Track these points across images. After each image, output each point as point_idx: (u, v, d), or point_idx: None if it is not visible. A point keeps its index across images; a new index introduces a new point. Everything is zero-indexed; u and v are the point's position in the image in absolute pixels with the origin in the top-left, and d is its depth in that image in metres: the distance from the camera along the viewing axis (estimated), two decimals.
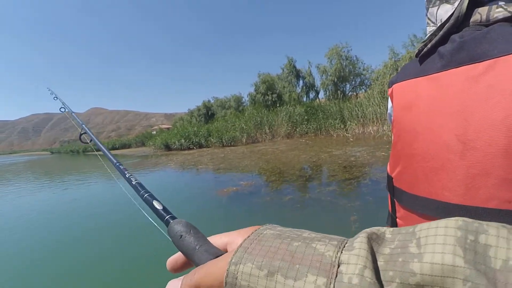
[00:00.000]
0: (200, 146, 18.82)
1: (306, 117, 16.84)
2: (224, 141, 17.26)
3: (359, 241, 0.19)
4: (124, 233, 3.50)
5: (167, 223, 0.32)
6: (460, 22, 0.52)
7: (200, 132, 19.27)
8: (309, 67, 24.89)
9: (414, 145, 0.56)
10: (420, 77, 0.56)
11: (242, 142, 16.92)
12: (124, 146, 38.30)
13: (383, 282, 0.16)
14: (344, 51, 21.90)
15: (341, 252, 0.18)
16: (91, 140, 0.86)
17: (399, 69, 14.42)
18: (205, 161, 10.45)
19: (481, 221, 0.17)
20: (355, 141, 10.73)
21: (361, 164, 5.99)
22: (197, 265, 0.26)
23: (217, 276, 0.21)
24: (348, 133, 13.68)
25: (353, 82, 23.07)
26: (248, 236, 0.23)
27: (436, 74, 0.52)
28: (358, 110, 13.83)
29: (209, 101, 35.99)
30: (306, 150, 9.91)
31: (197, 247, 0.27)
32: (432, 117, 0.52)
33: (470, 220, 0.17)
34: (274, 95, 24.74)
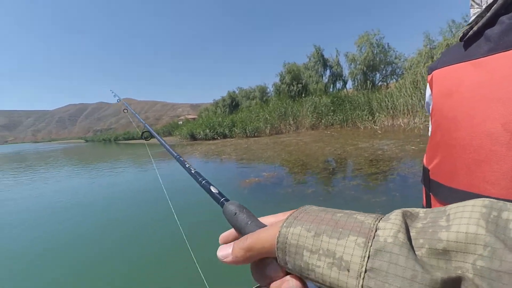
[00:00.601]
0: (224, 136, 19.06)
1: (332, 108, 16.37)
2: (247, 131, 17.34)
3: (395, 215, 0.21)
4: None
5: (222, 204, 0.36)
6: (509, 2, 0.47)
7: (225, 123, 19.49)
8: (337, 56, 23.97)
9: (454, 135, 0.52)
10: (464, 62, 0.52)
11: (266, 133, 16.88)
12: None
13: (414, 248, 0.19)
14: (375, 39, 20.80)
15: (379, 221, 0.21)
16: (150, 137, 0.99)
17: (434, 57, 13.50)
18: (228, 151, 10.57)
19: (506, 202, 0.18)
20: (384, 134, 10.27)
21: (389, 158, 5.72)
22: None
23: (268, 238, 0.24)
24: (376, 125, 13.12)
25: (384, 71, 21.89)
26: (296, 210, 0.25)
27: (482, 58, 0.49)
28: (388, 101, 13.16)
29: (234, 91, 36.13)
30: (331, 142, 9.67)
31: (249, 222, 0.30)
32: (476, 105, 0.48)
33: (496, 200, 0.19)
34: (300, 85, 24.23)
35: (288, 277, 0.23)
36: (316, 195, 3.84)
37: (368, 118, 13.92)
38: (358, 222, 0.21)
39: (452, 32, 15.27)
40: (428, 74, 0.64)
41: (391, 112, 13.01)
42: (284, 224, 0.23)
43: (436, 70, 0.60)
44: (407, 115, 12.33)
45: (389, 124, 12.96)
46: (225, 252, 0.27)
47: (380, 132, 11.10)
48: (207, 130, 19.54)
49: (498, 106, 0.45)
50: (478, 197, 0.51)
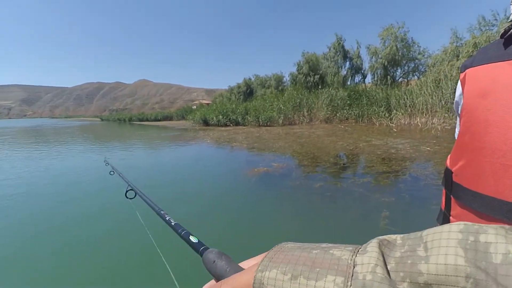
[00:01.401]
0: (237, 123, 19.07)
1: (348, 102, 16.03)
2: (260, 120, 17.27)
3: (371, 245, 0.21)
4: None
5: (201, 253, 0.36)
6: None
7: (238, 110, 19.46)
8: (358, 48, 23.24)
9: (484, 138, 0.50)
10: (502, 62, 0.49)
11: (279, 123, 16.77)
12: (166, 118, 40.31)
13: (396, 282, 0.18)
14: (400, 32, 19.97)
15: (356, 256, 0.20)
16: (135, 196, 0.94)
17: (460, 56, 12.88)
18: (239, 139, 10.59)
19: (480, 224, 0.18)
20: (399, 132, 10.01)
21: (402, 157, 5.59)
22: None
23: (244, 285, 0.23)
24: (392, 123, 12.79)
25: (406, 67, 21.13)
26: (272, 249, 0.25)
27: None
28: (407, 99, 12.74)
29: (249, 78, 35.88)
30: (344, 137, 9.52)
31: (227, 269, 0.30)
32: (511, 108, 0.46)
33: (470, 223, 0.19)
34: (317, 76, 23.76)
35: None
36: (323, 190, 3.81)
37: (384, 114, 13.56)
38: (335, 259, 0.21)
39: (481, 30, 14.46)
40: (461, 72, 0.60)
41: (409, 110, 12.62)
42: (259, 268, 0.23)
43: (470, 68, 0.57)
44: (425, 114, 11.93)
45: (406, 122, 12.60)
46: None
47: (395, 130, 10.82)
48: (220, 116, 19.56)
49: None
50: (505, 205, 0.50)
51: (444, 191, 0.67)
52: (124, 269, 2.19)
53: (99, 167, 5.80)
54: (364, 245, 0.22)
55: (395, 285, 0.18)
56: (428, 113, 11.84)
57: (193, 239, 0.42)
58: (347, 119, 15.70)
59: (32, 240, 2.72)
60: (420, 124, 11.67)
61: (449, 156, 0.65)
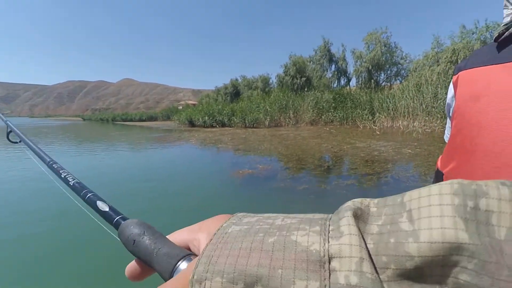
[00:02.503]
0: (223, 125, 18.96)
1: (333, 105, 16.28)
2: (247, 122, 17.25)
3: (347, 223, 0.16)
4: (69, 238, 2.60)
5: (116, 225, 0.28)
6: None
7: (224, 111, 19.37)
8: (343, 51, 23.77)
9: (476, 140, 0.51)
10: (495, 65, 0.50)
11: (265, 125, 16.80)
12: (151, 118, 39.66)
13: (378, 270, 0.14)
14: (383, 37, 20.57)
15: (328, 242, 0.15)
16: (20, 141, 0.76)
17: (439, 61, 13.38)
18: (225, 140, 10.51)
19: (478, 182, 0.15)
20: (382, 135, 10.23)
21: (384, 160, 5.69)
22: (158, 271, 0.23)
23: None
24: (376, 126, 13.08)
25: (389, 72, 21.79)
26: (211, 240, 0.18)
27: None
28: (390, 102, 13.09)
29: (236, 79, 35.85)
30: (329, 139, 9.62)
31: (155, 252, 0.23)
32: (503, 111, 0.47)
33: (466, 181, 0.15)
34: (303, 79, 24.06)
35: None
36: (307, 192, 3.81)
37: (368, 117, 13.87)
38: (301, 251, 0.15)
39: (462, 37, 15.08)
40: (454, 74, 0.61)
41: (392, 113, 12.97)
42: (195, 277, 0.16)
43: (463, 71, 0.57)
44: (407, 117, 12.29)
45: (388, 125, 12.92)
46: None
47: (378, 132, 11.07)
48: (206, 117, 19.41)
49: None
50: None
51: None
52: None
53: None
54: (334, 218, 0.18)
55: (380, 275, 0.14)
56: (409, 116, 12.21)
57: (102, 205, 0.31)
58: (332, 121, 15.92)
59: None
60: (402, 127, 11.99)
61: (439, 158, 0.65)
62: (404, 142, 8.03)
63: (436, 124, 10.75)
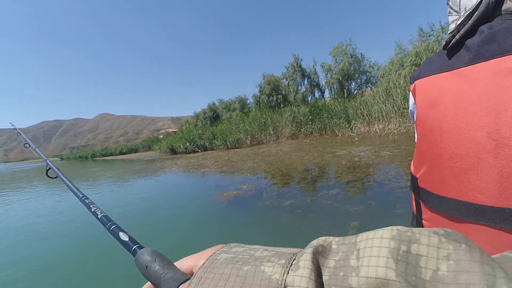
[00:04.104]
0: (205, 149, 18.79)
1: (310, 117, 16.65)
2: (228, 143, 17.20)
3: (304, 259, 0.20)
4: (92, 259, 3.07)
5: (134, 253, 0.33)
6: (490, 10, 0.48)
7: (205, 135, 19.25)
8: (313, 66, 24.68)
9: (440, 145, 0.53)
10: (445, 72, 0.53)
11: (247, 144, 16.82)
12: (132, 150, 38.74)
13: None
14: (349, 49, 21.62)
15: (287, 273, 0.19)
16: (56, 176, 0.86)
17: (404, 65, 14.15)
18: (208, 164, 10.37)
19: (414, 229, 0.17)
20: (360, 141, 10.48)
21: (365, 164, 5.79)
22: None
23: None
24: (353, 132, 13.43)
25: (359, 80, 22.75)
26: (203, 264, 0.24)
27: (463, 68, 0.50)
28: (364, 109, 13.57)
29: (214, 103, 36.08)
30: (310, 150, 9.73)
31: (162, 276, 0.28)
32: (460, 115, 0.50)
33: (405, 228, 0.18)
34: (279, 96, 24.61)
35: None
36: (294, 207, 3.76)
37: (345, 125, 14.24)
38: (265, 278, 0.20)
39: (422, 40, 16.12)
40: (411, 84, 0.63)
41: (367, 119, 13.40)
42: None
43: (418, 80, 0.60)
44: (382, 121, 12.73)
45: (365, 130, 13.30)
46: None
47: (357, 139, 11.33)
48: (187, 143, 19.20)
49: (481, 116, 0.46)
50: (468, 205, 0.52)
51: (413, 196, 0.68)
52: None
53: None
54: (299, 254, 0.21)
55: None
56: (384, 119, 12.66)
57: (123, 236, 0.37)
58: (311, 133, 16.20)
59: None
60: (378, 131, 12.38)
61: (412, 163, 0.67)
62: (382, 145, 8.25)
63: (410, 124, 11.18)
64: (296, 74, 24.82)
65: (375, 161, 6.02)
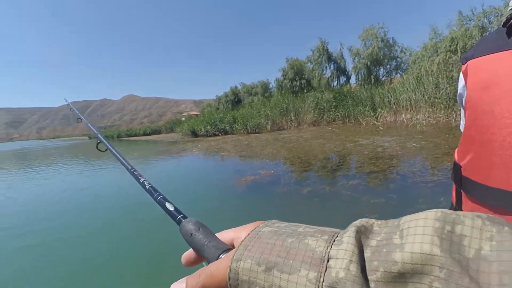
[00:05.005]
0: (226, 132, 18.95)
1: (334, 104, 16.16)
2: (249, 128, 17.21)
3: (348, 235, 0.20)
4: (139, 227, 3.42)
5: (179, 222, 0.35)
6: None
7: (226, 119, 19.36)
8: (340, 49, 23.71)
9: (491, 130, 0.49)
10: (503, 51, 0.48)
11: (267, 129, 16.75)
12: (155, 132, 39.89)
13: (369, 272, 0.18)
14: (380, 32, 20.44)
15: (331, 247, 0.20)
16: (106, 149, 0.92)
17: (439, 51, 13.14)
18: (228, 148, 10.47)
19: (458, 212, 0.18)
20: (385, 130, 10.08)
21: (389, 155, 5.57)
22: (207, 259, 0.29)
23: (221, 275, 0.24)
24: (378, 121, 12.91)
25: (388, 66, 21.62)
26: (248, 234, 0.25)
27: None
28: (391, 97, 12.90)
29: (236, 87, 36.01)
30: (332, 138, 9.51)
31: (206, 243, 0.30)
32: None
33: (449, 211, 0.18)
34: (303, 81, 24.05)
35: None
36: (312, 196, 3.72)
37: (370, 114, 13.70)
38: (310, 250, 0.21)
39: (460, 25, 14.84)
40: (462, 64, 0.59)
41: (394, 107, 12.78)
42: (234, 258, 0.23)
43: (471, 60, 0.55)
44: (410, 110, 12.10)
45: (391, 120, 12.75)
46: None
47: (381, 128, 10.90)
48: (208, 127, 19.42)
49: None
50: None
51: (454, 186, 0.65)
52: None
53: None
54: (341, 232, 0.22)
55: (368, 283, 0.18)
56: (412, 109, 12.01)
57: (169, 206, 0.39)
58: (334, 120, 15.80)
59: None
60: (405, 121, 11.81)
61: (456, 150, 0.64)
62: (409, 136, 7.88)
63: (440, 115, 10.54)
64: (322, 58, 23.97)
65: (399, 152, 5.77)
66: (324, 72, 24.37)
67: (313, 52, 24.63)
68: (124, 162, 0.63)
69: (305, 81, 24.06)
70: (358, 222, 0.22)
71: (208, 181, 5.59)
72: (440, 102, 10.65)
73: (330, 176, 4.66)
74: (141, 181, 0.50)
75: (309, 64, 25.08)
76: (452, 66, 11.31)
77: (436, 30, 16.53)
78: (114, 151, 0.76)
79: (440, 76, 11.31)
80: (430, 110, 11.14)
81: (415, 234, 0.18)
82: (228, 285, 0.23)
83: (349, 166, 5.36)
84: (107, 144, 0.86)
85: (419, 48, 17.63)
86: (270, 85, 31.13)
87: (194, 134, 20.72)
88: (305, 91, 21.29)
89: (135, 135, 43.58)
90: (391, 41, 20.71)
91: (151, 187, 0.46)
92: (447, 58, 13.24)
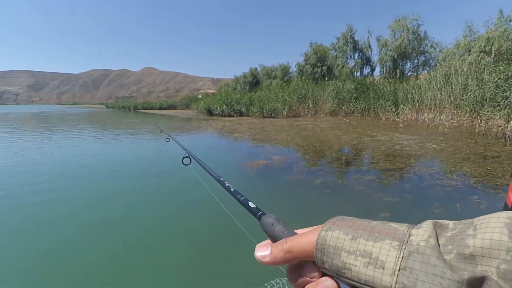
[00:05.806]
0: (241, 114, 18.89)
1: (355, 95, 15.72)
2: (264, 111, 17.06)
3: (426, 224, 0.23)
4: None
5: (259, 217, 0.39)
6: None
7: (242, 100, 19.22)
8: (368, 38, 22.72)
9: None
10: None
11: (283, 115, 16.56)
12: (171, 106, 40.29)
13: (444, 253, 0.21)
14: (412, 25, 19.31)
15: (411, 229, 0.23)
16: (190, 162, 1.08)
17: (472, 50, 12.22)
18: (242, 130, 10.46)
19: None
20: (405, 128, 9.77)
21: (407, 154, 5.41)
22: None
23: (308, 242, 0.26)
24: (399, 118, 12.50)
25: (415, 61, 20.58)
26: (333, 218, 0.28)
27: None
28: (415, 93, 12.36)
29: (256, 68, 35.45)
30: (349, 131, 9.33)
31: (285, 232, 0.32)
32: None
33: None
34: (324, 68, 23.34)
35: (324, 277, 0.26)
36: (323, 187, 3.69)
37: (391, 109, 13.25)
38: (393, 229, 0.23)
39: (499, 25, 13.80)
40: None
41: (417, 105, 12.27)
42: (324, 228, 0.26)
43: None
44: (433, 110, 11.59)
45: (413, 118, 12.30)
46: (263, 252, 0.30)
47: (401, 125, 10.56)
48: (224, 106, 19.38)
49: None
50: None
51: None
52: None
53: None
54: (419, 224, 0.24)
55: (444, 256, 0.20)
56: (436, 109, 11.51)
57: (251, 204, 0.44)
58: (352, 112, 15.44)
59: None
60: (427, 120, 11.38)
61: (509, 191, 0.61)
62: (429, 136, 7.62)
63: (464, 118, 10.06)
64: (347, 46, 23.09)
65: (418, 152, 5.60)
66: (348, 61, 23.57)
67: (338, 39, 23.74)
68: (211, 171, 0.75)
69: (326, 68, 23.35)
70: (434, 220, 0.24)
71: (220, 161, 5.63)
72: (466, 105, 10.12)
73: (344, 169, 4.60)
74: (226, 185, 0.58)
75: (333, 51, 24.25)
76: (484, 68, 10.58)
77: (472, 28, 15.48)
78: (201, 163, 0.92)
79: (470, 77, 10.68)
80: (455, 111, 10.64)
81: (487, 227, 0.20)
82: (315, 249, 0.25)
83: (364, 160, 5.26)
84: (193, 158, 1.07)
85: (451, 45, 16.66)
86: (291, 69, 30.44)
87: (210, 112, 20.78)
88: (326, 78, 20.70)
89: (151, 108, 44.18)
90: (422, 35, 19.62)
91: (235, 190, 0.53)
92: (479, 58, 12.42)
